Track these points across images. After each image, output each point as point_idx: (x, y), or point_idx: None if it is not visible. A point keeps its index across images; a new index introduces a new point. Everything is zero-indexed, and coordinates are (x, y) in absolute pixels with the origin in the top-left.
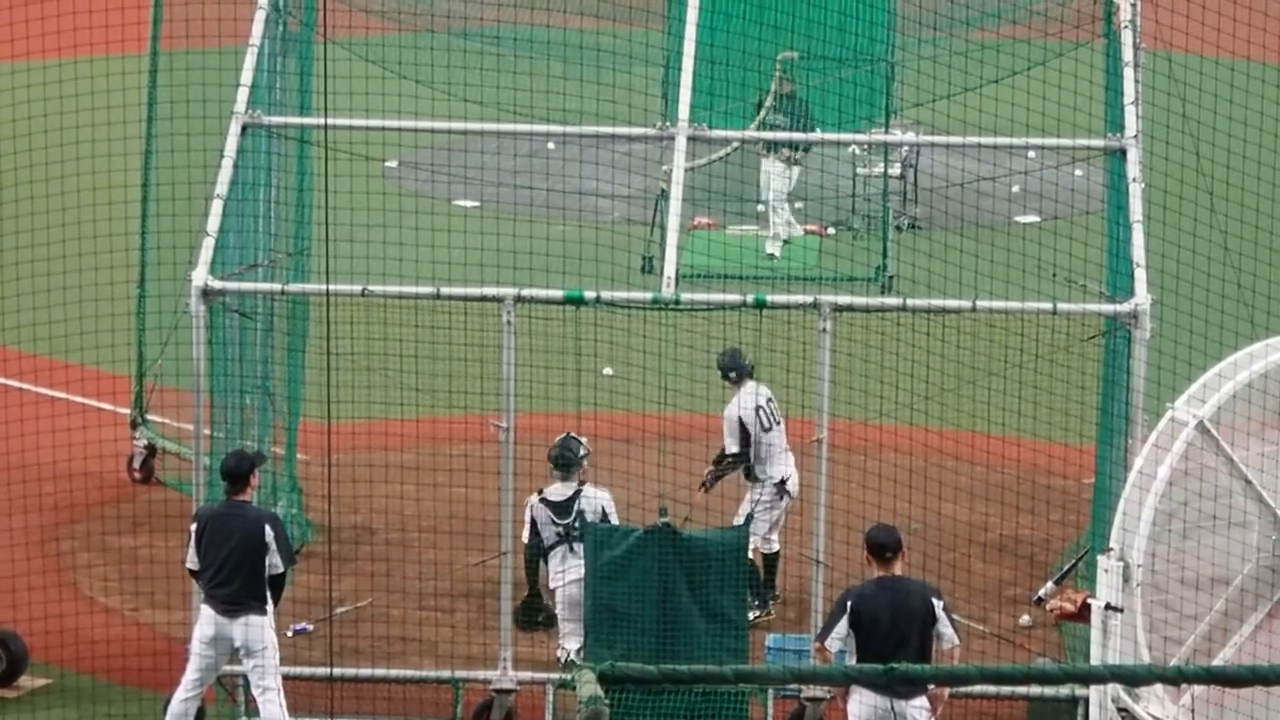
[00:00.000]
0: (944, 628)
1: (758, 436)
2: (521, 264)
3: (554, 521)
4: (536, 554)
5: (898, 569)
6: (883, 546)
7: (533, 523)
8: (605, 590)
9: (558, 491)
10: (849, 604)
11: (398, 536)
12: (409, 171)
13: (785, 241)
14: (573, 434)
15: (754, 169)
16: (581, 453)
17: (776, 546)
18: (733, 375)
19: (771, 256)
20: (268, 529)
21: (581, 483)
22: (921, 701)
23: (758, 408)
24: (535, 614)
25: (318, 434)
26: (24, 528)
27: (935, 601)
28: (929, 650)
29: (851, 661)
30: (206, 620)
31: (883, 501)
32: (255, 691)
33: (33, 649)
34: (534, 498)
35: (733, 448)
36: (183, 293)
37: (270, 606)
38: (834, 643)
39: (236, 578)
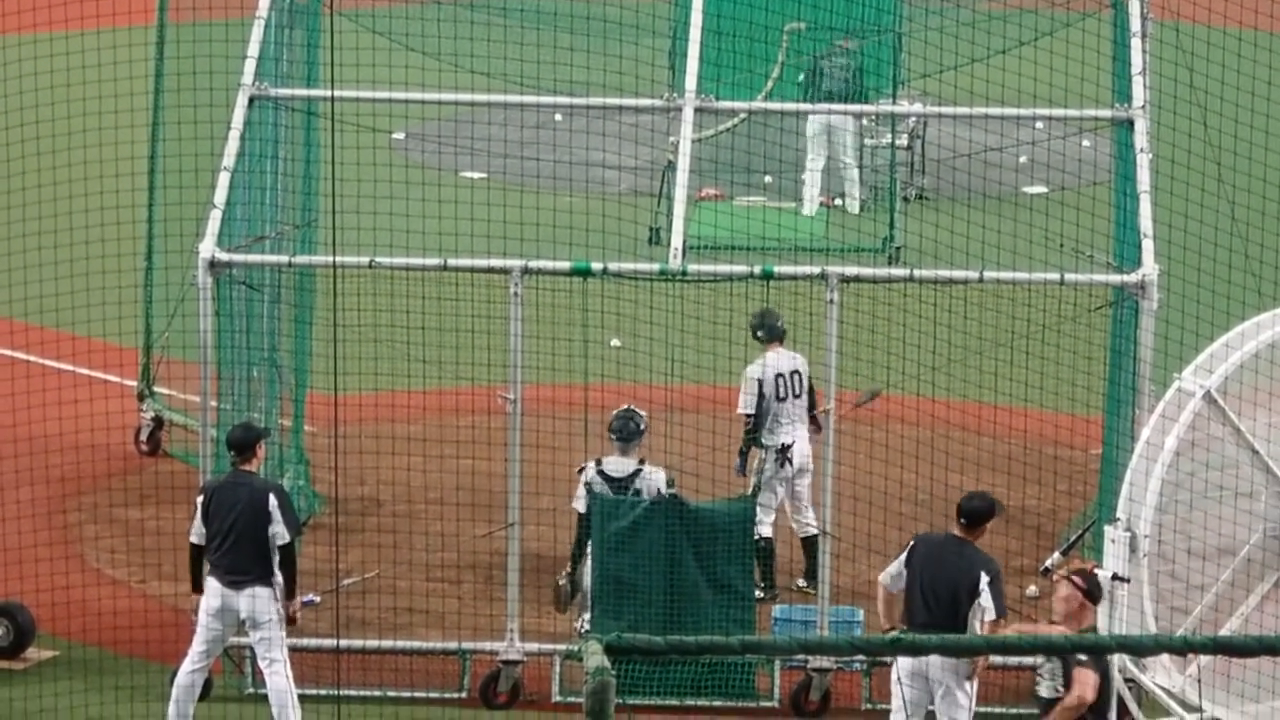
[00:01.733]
0: (984, 600)
1: (770, 403)
2: (529, 235)
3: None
4: (588, 524)
5: (971, 537)
6: (961, 510)
7: (590, 492)
8: (612, 561)
9: (617, 466)
10: (913, 543)
11: (405, 508)
12: (416, 143)
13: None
14: (633, 407)
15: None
16: (642, 426)
17: (813, 530)
18: (760, 335)
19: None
20: (272, 498)
21: (641, 461)
22: (950, 663)
23: (779, 374)
24: (573, 589)
25: (324, 406)
26: (31, 500)
27: (983, 575)
28: (963, 616)
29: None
30: (212, 592)
31: (890, 472)
32: (262, 664)
33: (40, 621)
34: (591, 467)
35: (743, 408)
36: (190, 265)
37: (279, 579)
38: (886, 577)
39: (241, 549)
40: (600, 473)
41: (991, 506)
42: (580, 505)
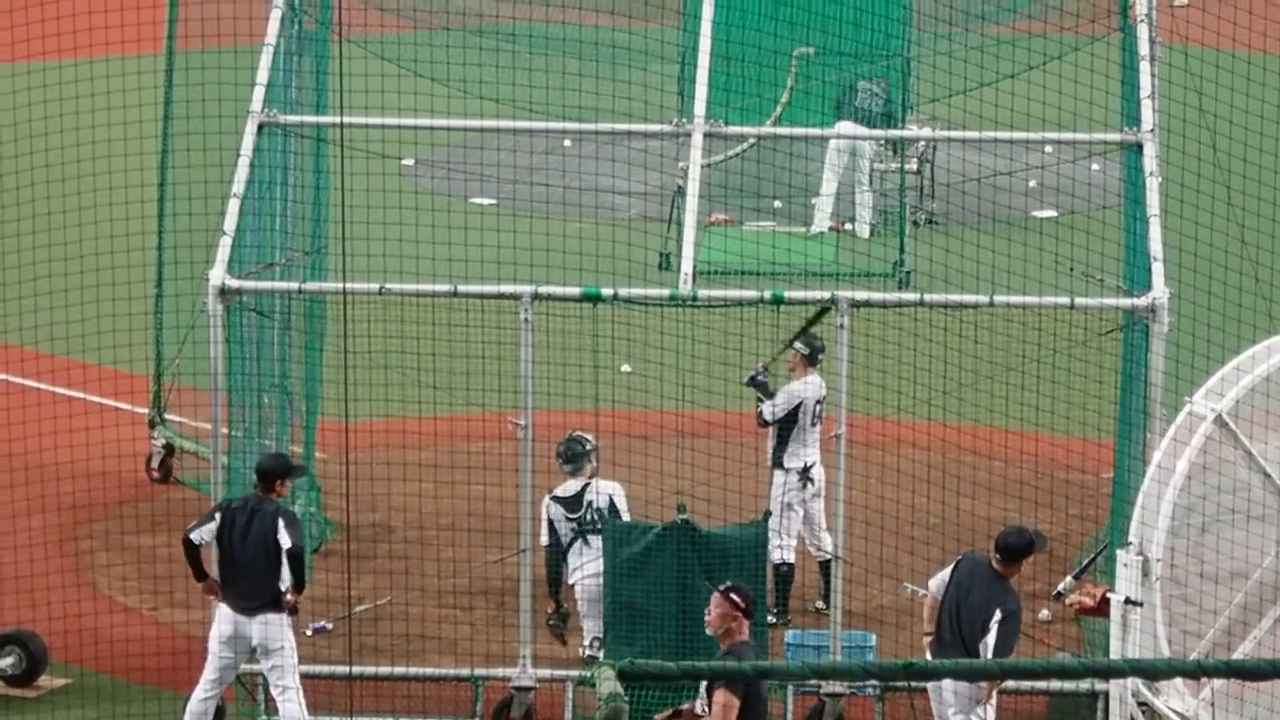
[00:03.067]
0: (990, 638)
1: (804, 425)
2: (539, 261)
3: (567, 518)
4: (556, 554)
5: (1011, 571)
6: (997, 545)
7: (549, 523)
8: (625, 587)
9: (568, 488)
10: (960, 558)
11: (416, 535)
12: (426, 170)
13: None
14: (578, 430)
15: (771, 165)
16: (588, 447)
17: (828, 553)
18: (807, 354)
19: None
20: (280, 520)
21: (591, 477)
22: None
23: (818, 400)
24: (563, 620)
25: (336, 433)
26: (43, 527)
27: (997, 612)
28: (972, 645)
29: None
30: (225, 619)
31: (901, 497)
32: (274, 691)
33: (52, 648)
34: (546, 498)
35: (770, 416)
36: (200, 292)
37: (290, 607)
38: (934, 582)
39: (253, 574)
40: (554, 499)
41: (1030, 544)
42: (543, 538)
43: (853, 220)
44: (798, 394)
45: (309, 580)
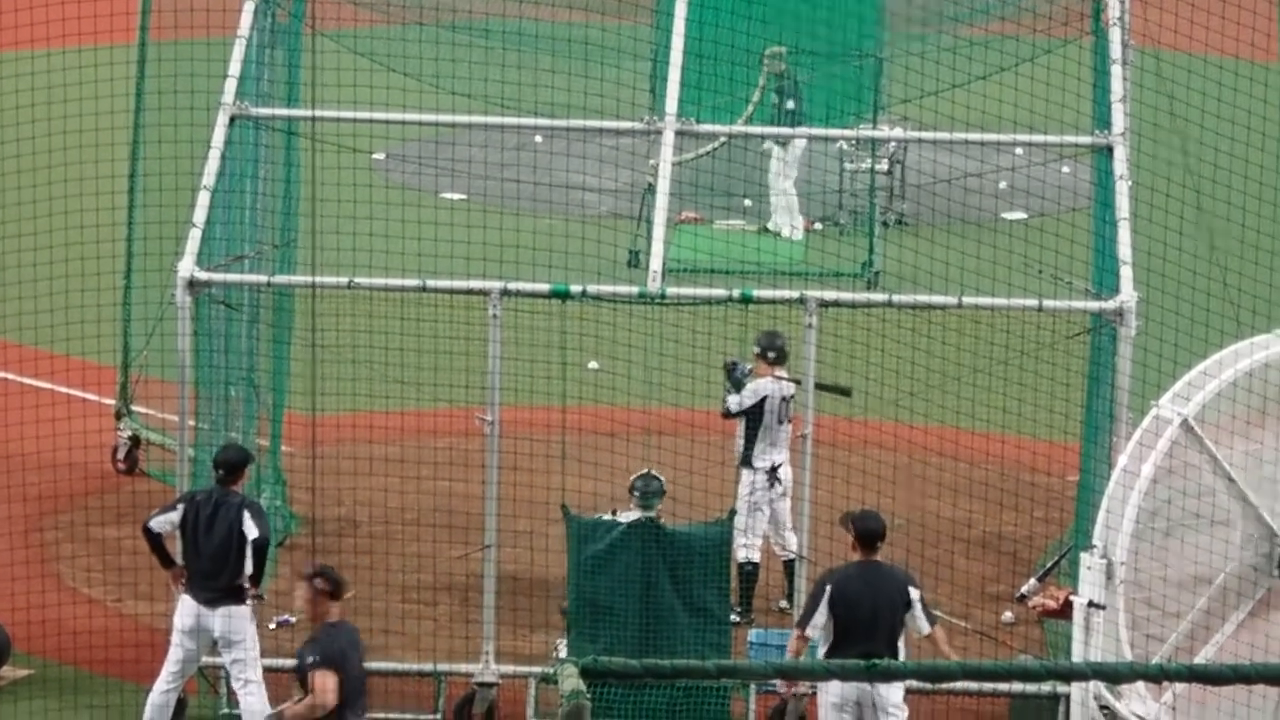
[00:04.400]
0: (917, 618)
1: (770, 424)
2: (508, 257)
3: None
4: None
5: (879, 556)
6: (871, 534)
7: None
8: (588, 584)
9: (628, 515)
10: (828, 588)
11: (381, 529)
12: (396, 164)
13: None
14: (652, 469)
15: (742, 164)
16: (663, 488)
17: (793, 552)
18: (771, 355)
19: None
20: (245, 511)
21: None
22: (899, 687)
23: (784, 398)
24: None
25: (302, 426)
26: (7, 518)
27: (911, 590)
28: (898, 637)
29: (824, 645)
30: (187, 610)
31: (867, 498)
32: (235, 684)
33: (15, 639)
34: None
35: (734, 407)
36: (169, 284)
37: (250, 597)
38: (814, 630)
39: (221, 569)
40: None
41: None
42: None
43: (822, 220)
44: (764, 389)
45: (271, 574)
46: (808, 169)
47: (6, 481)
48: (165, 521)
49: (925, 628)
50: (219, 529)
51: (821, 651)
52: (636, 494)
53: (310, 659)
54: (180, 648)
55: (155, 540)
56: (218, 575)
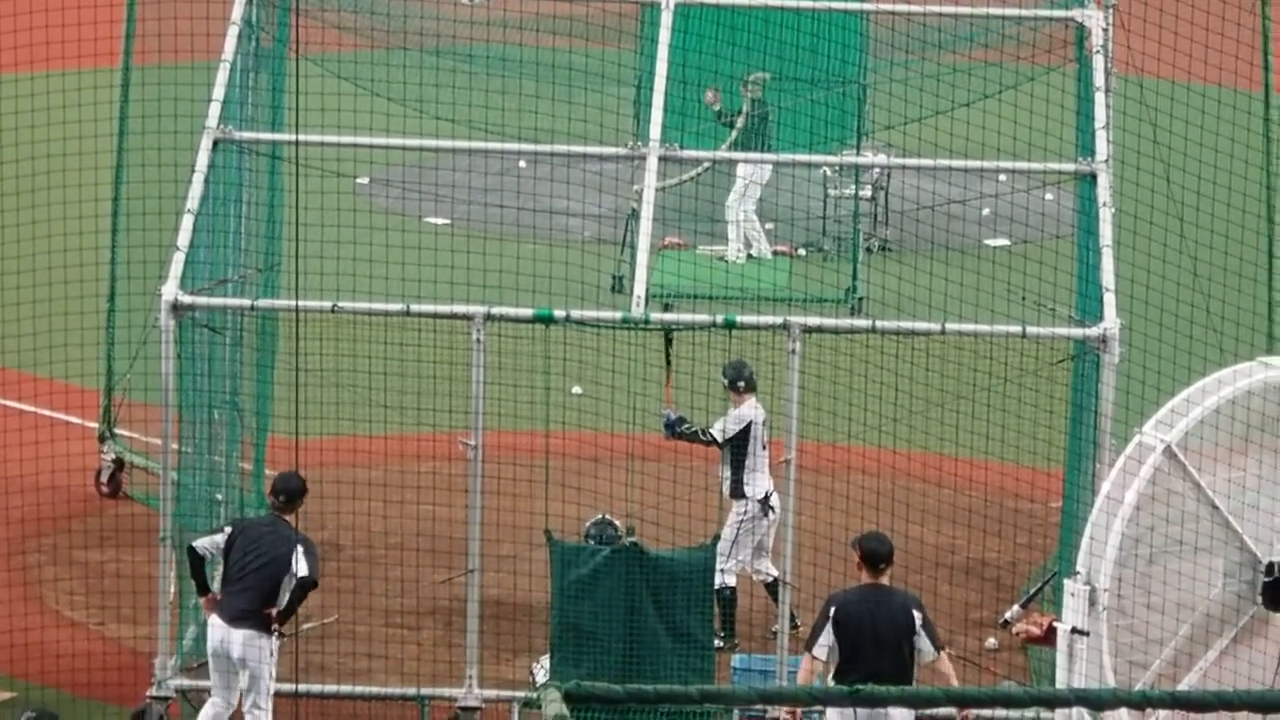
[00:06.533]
0: (922, 640)
1: (754, 450)
2: (491, 282)
3: None
4: None
5: (885, 579)
6: (875, 555)
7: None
8: (572, 609)
9: None
10: (833, 611)
11: (365, 553)
12: (380, 188)
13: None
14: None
15: (726, 189)
16: (619, 536)
17: (773, 574)
18: (741, 385)
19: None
20: (300, 547)
21: None
22: (903, 713)
23: (764, 423)
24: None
25: (286, 450)
26: None
27: (915, 613)
28: (908, 661)
29: (832, 666)
30: (215, 631)
31: (850, 524)
32: (245, 705)
33: None
34: None
35: (720, 435)
36: (152, 307)
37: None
38: (821, 650)
39: (255, 592)
40: None
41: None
42: None
43: (805, 246)
44: (747, 415)
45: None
46: (790, 195)
47: None
48: (210, 544)
49: (930, 651)
50: (266, 555)
51: (830, 673)
52: (590, 542)
53: None
54: (213, 671)
55: (197, 562)
56: (249, 598)
